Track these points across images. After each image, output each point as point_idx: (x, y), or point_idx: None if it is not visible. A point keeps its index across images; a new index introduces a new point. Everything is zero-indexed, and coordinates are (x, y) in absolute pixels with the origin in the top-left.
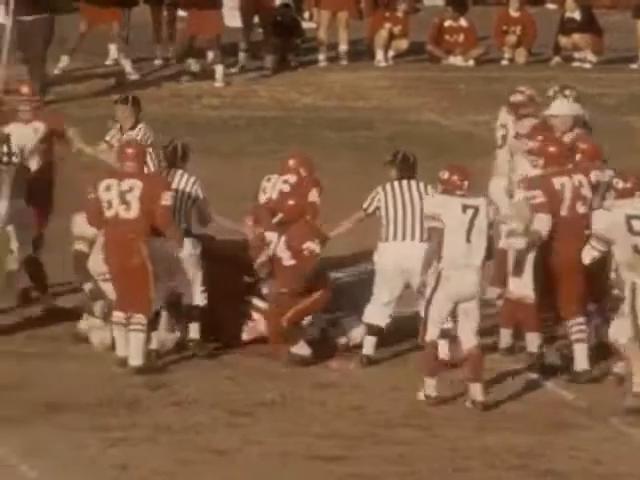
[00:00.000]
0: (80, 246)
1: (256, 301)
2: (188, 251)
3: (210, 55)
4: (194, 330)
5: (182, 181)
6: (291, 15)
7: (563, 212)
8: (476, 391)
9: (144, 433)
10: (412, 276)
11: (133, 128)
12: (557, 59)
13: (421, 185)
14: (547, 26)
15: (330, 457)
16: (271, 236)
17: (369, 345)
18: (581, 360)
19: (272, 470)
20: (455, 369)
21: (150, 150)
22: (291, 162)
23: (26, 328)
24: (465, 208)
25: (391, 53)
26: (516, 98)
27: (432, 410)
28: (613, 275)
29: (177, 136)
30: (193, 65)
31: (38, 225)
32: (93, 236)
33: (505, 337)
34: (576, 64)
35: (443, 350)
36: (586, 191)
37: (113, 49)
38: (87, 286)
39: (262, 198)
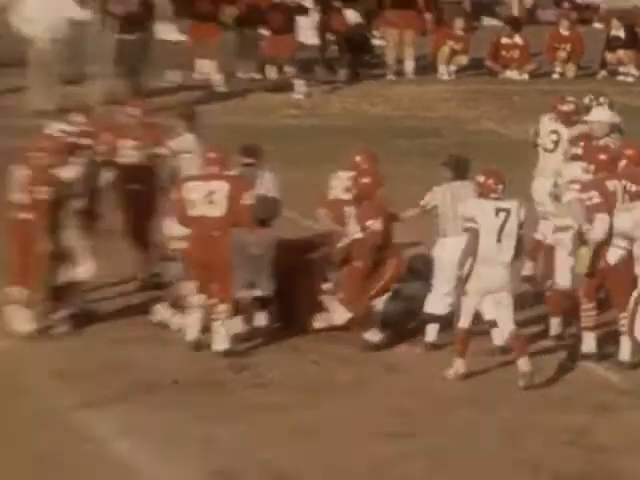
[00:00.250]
0: (176, 245)
1: (328, 291)
2: (264, 243)
3: (289, 70)
4: (263, 318)
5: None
6: (362, 33)
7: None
8: (523, 363)
9: (229, 411)
10: None
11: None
12: (603, 73)
13: (472, 186)
14: (594, 43)
15: (399, 433)
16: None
17: (432, 332)
18: (624, 352)
19: (349, 445)
20: (508, 353)
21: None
22: (358, 158)
23: (128, 315)
24: (498, 211)
25: (452, 68)
26: (569, 107)
27: (490, 391)
28: (637, 270)
29: (261, 143)
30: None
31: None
32: (184, 234)
33: (554, 325)
34: (620, 78)
35: (497, 338)
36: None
37: (201, 63)
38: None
39: (331, 194)
